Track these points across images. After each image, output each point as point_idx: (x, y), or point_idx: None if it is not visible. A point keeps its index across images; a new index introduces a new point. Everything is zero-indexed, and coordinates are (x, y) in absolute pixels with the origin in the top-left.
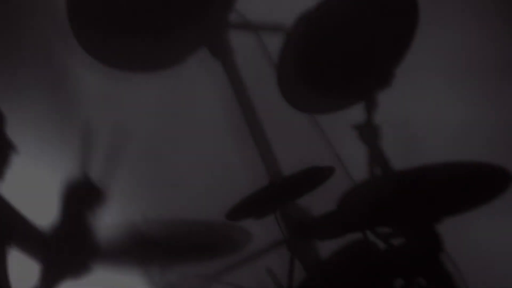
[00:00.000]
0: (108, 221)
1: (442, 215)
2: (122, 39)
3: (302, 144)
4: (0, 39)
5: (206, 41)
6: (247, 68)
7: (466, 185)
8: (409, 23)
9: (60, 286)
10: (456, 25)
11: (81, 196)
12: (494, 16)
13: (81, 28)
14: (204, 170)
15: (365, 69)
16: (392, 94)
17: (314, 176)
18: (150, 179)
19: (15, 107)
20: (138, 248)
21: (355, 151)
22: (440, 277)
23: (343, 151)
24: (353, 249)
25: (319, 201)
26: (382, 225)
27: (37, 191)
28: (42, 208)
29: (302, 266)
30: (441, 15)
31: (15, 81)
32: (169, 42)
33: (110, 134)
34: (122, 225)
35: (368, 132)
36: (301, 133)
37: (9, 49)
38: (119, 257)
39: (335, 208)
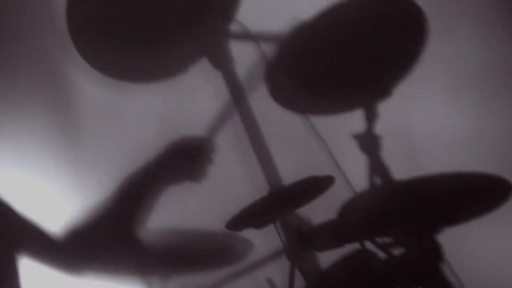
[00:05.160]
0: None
1: (442, 225)
2: (122, 49)
3: (302, 153)
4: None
5: (206, 51)
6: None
7: (466, 195)
8: (409, 33)
9: None
10: (456, 34)
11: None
12: (495, 25)
13: (81, 38)
14: (204, 180)
15: (365, 79)
16: (392, 103)
17: (314, 186)
18: None
19: (15, 114)
20: (138, 258)
21: (355, 160)
22: (440, 287)
23: (343, 160)
24: (353, 259)
25: (319, 211)
26: (382, 235)
27: (35, 197)
28: (38, 212)
29: (302, 276)
30: (442, 25)
31: (15, 89)
32: (169, 52)
33: None
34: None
35: (369, 142)
36: (301, 142)
37: (8, 57)
38: (119, 267)
39: (335, 217)
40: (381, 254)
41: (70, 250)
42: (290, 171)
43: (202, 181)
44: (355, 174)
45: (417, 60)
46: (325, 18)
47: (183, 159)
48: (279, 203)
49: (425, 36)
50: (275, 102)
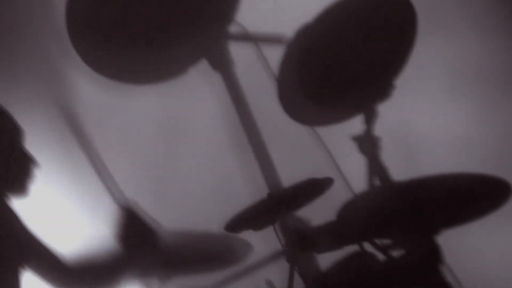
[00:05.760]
0: (107, 232)
1: (442, 227)
2: (122, 51)
3: (302, 155)
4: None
5: (206, 53)
6: (246, 79)
7: (465, 196)
8: (409, 35)
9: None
10: (456, 35)
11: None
12: (494, 26)
13: (82, 40)
14: (204, 182)
15: (364, 80)
16: (392, 105)
17: (313, 188)
18: (150, 191)
19: (14, 115)
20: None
21: (355, 162)
22: None
23: (343, 162)
24: (352, 261)
25: (318, 212)
26: (381, 237)
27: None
28: (37, 216)
29: (301, 278)
30: (441, 26)
31: (15, 90)
32: (169, 53)
33: None
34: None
35: (368, 144)
36: (300, 144)
37: (8, 58)
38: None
39: (334, 219)
40: (380, 256)
41: (75, 278)
42: (290, 173)
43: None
44: (355, 175)
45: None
46: (324, 20)
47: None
48: (278, 205)
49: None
50: (287, 115)
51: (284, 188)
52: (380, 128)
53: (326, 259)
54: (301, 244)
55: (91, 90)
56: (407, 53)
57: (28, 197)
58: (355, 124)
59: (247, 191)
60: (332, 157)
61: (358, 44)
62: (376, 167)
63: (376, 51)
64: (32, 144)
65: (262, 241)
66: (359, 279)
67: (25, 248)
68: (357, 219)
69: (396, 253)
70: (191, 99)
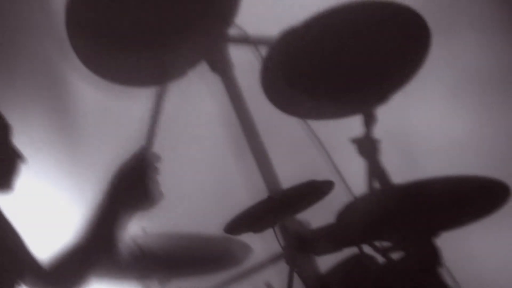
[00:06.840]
0: None
1: (441, 229)
2: (121, 53)
3: (301, 158)
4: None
5: (205, 56)
6: (246, 82)
7: (465, 198)
8: (408, 37)
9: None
10: (456, 38)
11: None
12: (493, 29)
13: (80, 42)
14: (203, 184)
15: (363, 83)
16: (391, 107)
17: (313, 190)
18: None
19: (13, 117)
20: (137, 262)
21: (354, 165)
22: None
23: (342, 164)
24: (352, 263)
25: (318, 215)
26: (380, 239)
27: (34, 200)
28: (37, 217)
29: (300, 280)
30: (440, 28)
31: (14, 93)
32: (168, 56)
33: None
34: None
35: (367, 146)
36: (300, 146)
37: (7, 61)
38: (118, 271)
39: (334, 221)
40: (380, 258)
41: (57, 279)
42: (289, 175)
43: (159, 201)
44: (354, 178)
45: (416, 69)
46: (323, 22)
47: (138, 180)
48: (278, 207)
49: (427, 43)
50: (272, 104)
51: (284, 190)
52: (379, 131)
53: (325, 262)
54: (300, 246)
55: (89, 92)
56: (414, 64)
57: (12, 192)
58: (355, 126)
59: (247, 193)
60: (332, 159)
61: (358, 47)
62: (375, 170)
63: (376, 56)
64: (31, 145)
65: (262, 244)
66: (358, 282)
67: (24, 265)
68: (357, 222)
69: (395, 256)
70: (190, 102)
